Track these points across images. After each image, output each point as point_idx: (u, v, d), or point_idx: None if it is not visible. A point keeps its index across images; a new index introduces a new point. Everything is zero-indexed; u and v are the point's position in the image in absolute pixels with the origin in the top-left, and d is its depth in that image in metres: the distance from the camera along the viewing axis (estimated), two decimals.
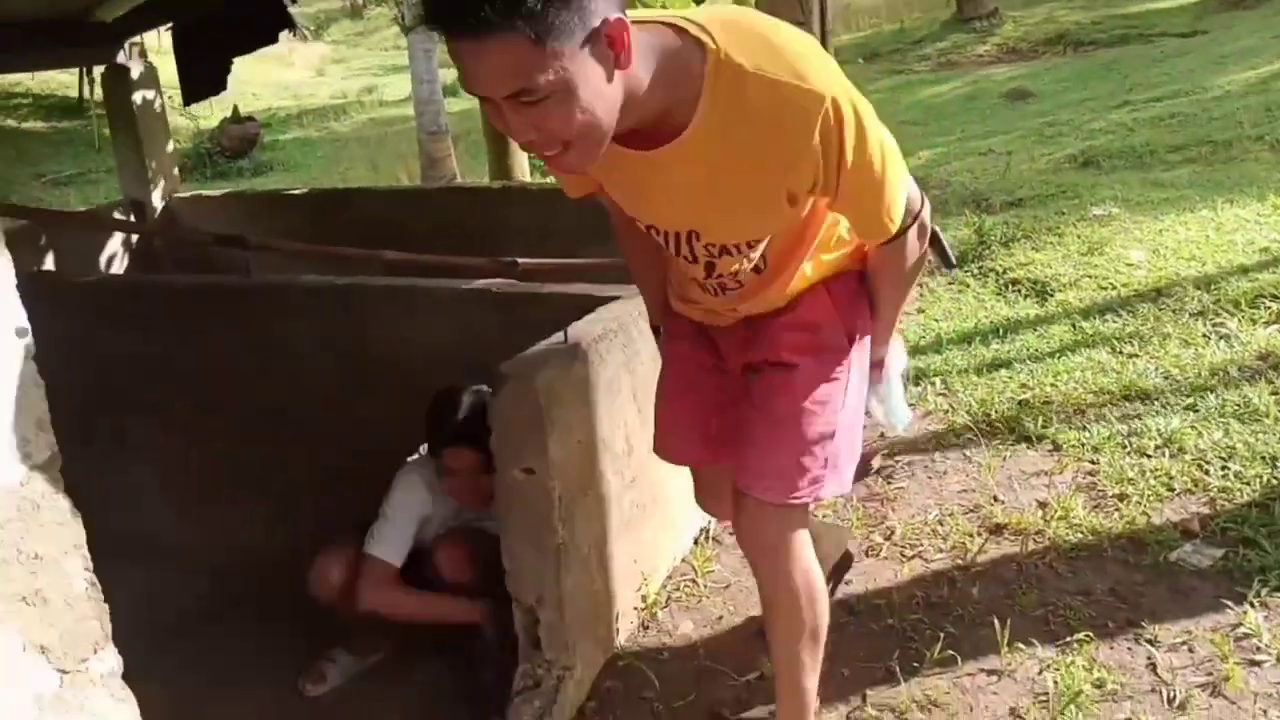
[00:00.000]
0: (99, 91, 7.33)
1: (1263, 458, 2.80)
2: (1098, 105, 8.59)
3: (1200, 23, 11.52)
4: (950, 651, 2.23)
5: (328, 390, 2.82)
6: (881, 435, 3.26)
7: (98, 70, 5.32)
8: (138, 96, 4.41)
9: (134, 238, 4.42)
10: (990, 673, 2.19)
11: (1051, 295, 4.32)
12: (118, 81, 4.43)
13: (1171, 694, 2.07)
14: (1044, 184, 6.07)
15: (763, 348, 1.77)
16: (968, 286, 4.64)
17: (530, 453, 2.03)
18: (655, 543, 2.58)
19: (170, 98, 4.88)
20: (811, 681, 1.88)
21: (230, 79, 4.33)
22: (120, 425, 3.04)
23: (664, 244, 1.67)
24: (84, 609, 1.10)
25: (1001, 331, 4.03)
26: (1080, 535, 2.62)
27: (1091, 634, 2.25)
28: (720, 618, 2.50)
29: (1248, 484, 2.71)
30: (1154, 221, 4.97)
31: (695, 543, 2.80)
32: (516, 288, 2.69)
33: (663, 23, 1.40)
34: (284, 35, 4.30)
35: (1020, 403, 3.37)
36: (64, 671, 1.08)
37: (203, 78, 4.23)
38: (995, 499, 2.84)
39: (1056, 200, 5.64)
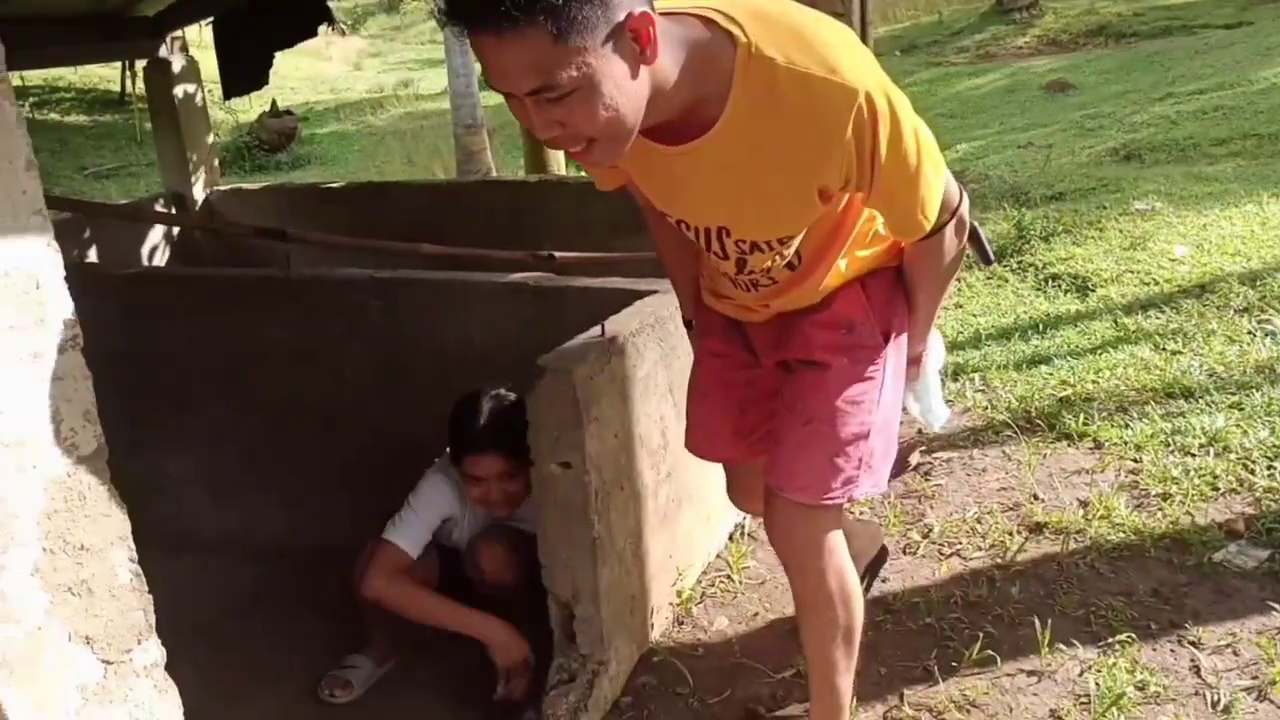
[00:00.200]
0: (140, 85, 7.41)
1: None
2: (1140, 98, 8.46)
3: (1245, 14, 11.32)
4: (989, 651, 2.20)
5: (365, 383, 2.83)
6: (919, 432, 3.23)
7: (140, 64, 5.38)
8: (179, 90, 4.44)
9: (175, 230, 4.46)
10: (1030, 673, 2.17)
11: (1092, 290, 4.27)
12: (159, 75, 4.47)
13: (1215, 697, 2.04)
14: (1085, 178, 6.00)
15: (796, 346, 1.75)
16: (1007, 281, 4.59)
17: (567, 447, 2.03)
18: (690, 538, 2.58)
19: (211, 91, 4.93)
20: (846, 681, 1.86)
21: (270, 74, 4.36)
22: (159, 417, 3.07)
23: (695, 239, 1.66)
24: (129, 600, 1.11)
25: (1041, 327, 3.98)
26: (1122, 535, 2.59)
27: (1134, 635, 2.22)
28: (755, 614, 2.49)
29: None
30: (1198, 216, 4.90)
31: (730, 538, 2.79)
32: (553, 281, 2.68)
33: (692, 13, 1.37)
34: (321, 29, 4.33)
35: (1061, 399, 3.33)
36: (108, 662, 1.09)
37: (244, 73, 4.26)
38: (1035, 497, 2.81)
39: (1097, 194, 5.56)
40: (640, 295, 2.44)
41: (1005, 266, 4.76)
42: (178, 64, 4.45)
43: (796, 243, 1.62)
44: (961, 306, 4.42)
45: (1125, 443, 3.00)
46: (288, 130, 11.70)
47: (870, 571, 2.44)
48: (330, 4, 4.14)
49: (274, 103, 11.76)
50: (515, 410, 2.29)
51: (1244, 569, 2.41)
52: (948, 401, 3.41)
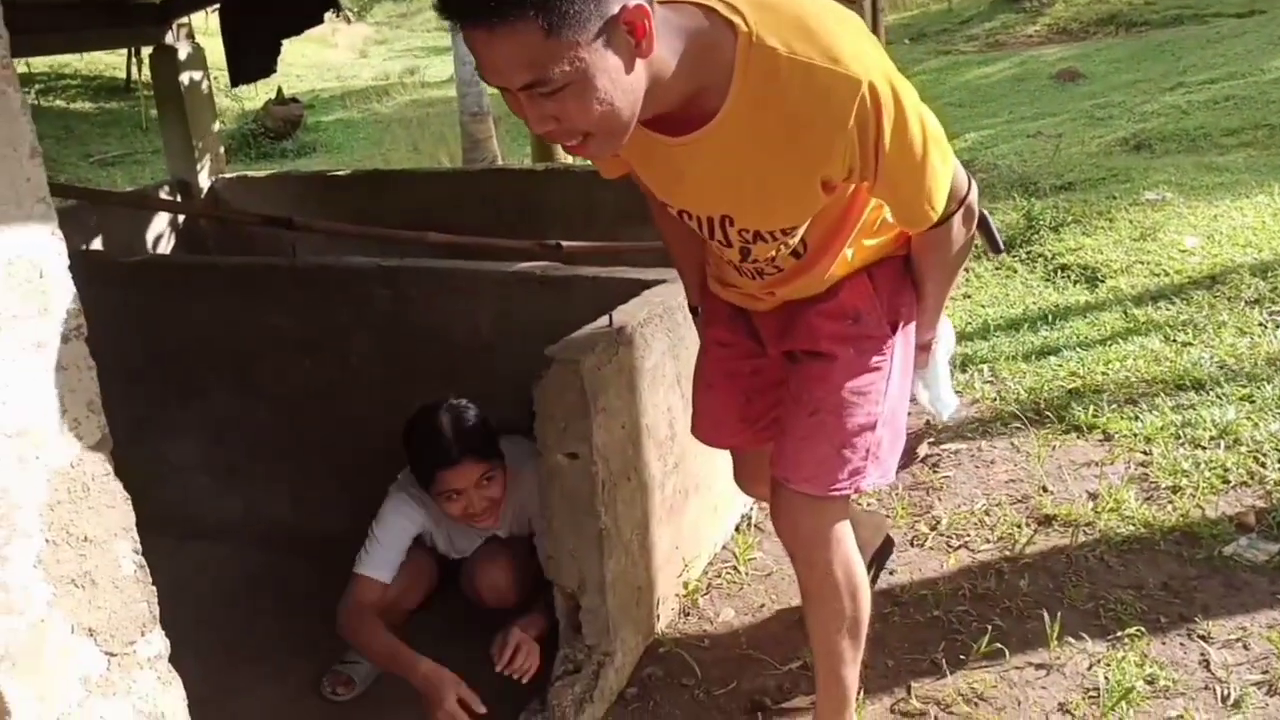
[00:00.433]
0: (146, 72, 7.39)
1: None
2: (1150, 87, 8.40)
3: (1257, 2, 11.22)
4: (997, 644, 2.19)
5: (371, 372, 2.82)
6: (927, 423, 3.22)
7: (145, 51, 5.37)
8: (185, 77, 4.42)
9: (180, 218, 4.45)
10: (1039, 667, 2.15)
11: (1102, 281, 4.25)
12: (165, 62, 4.45)
13: (1225, 692, 2.03)
14: (1094, 167, 5.96)
15: (801, 336, 1.74)
16: (1015, 272, 4.56)
17: (574, 438, 2.02)
18: (697, 529, 2.57)
19: (217, 79, 4.91)
20: (852, 673, 1.85)
21: (278, 61, 4.34)
22: (164, 405, 3.07)
23: (697, 229, 1.64)
24: (132, 591, 1.10)
25: (1050, 318, 3.96)
26: (1132, 527, 2.57)
27: (1143, 629, 2.21)
28: (762, 605, 2.48)
29: None
30: (1209, 206, 4.87)
31: (737, 529, 2.78)
32: (561, 270, 2.67)
33: (692, 1, 1.35)
34: (328, 16, 4.30)
35: (1070, 391, 3.31)
36: (111, 654, 1.08)
37: (252, 60, 4.24)
38: (1044, 489, 2.80)
39: (1107, 184, 5.53)
40: (648, 285, 2.42)
41: (1014, 257, 4.74)
42: (184, 51, 4.43)
43: (801, 231, 1.60)
44: (970, 297, 4.40)
45: (1135, 435, 2.98)
46: (293, 118, 11.67)
47: (877, 562, 2.43)
48: None
49: (280, 90, 11.74)
50: (473, 414, 2.34)
51: (1254, 562, 2.40)
52: (956, 392, 3.39)
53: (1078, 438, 3.04)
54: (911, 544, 2.65)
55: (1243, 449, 2.82)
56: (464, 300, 2.68)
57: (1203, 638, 2.18)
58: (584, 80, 1.20)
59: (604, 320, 2.17)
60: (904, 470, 2.99)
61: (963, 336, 3.94)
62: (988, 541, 2.62)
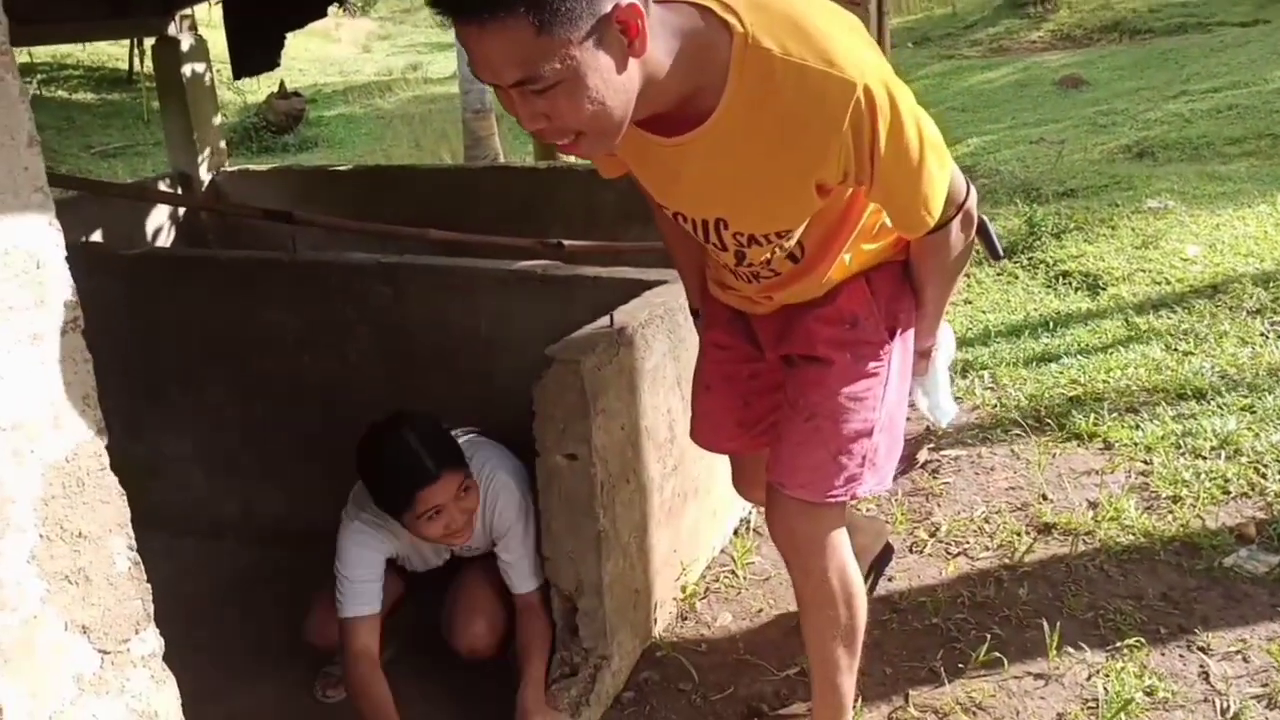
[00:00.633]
0: (149, 64, 7.37)
1: None
2: (1154, 95, 8.39)
3: (1262, 11, 11.21)
4: (996, 653, 2.18)
5: (369, 368, 2.81)
6: (927, 429, 3.21)
7: (148, 42, 5.34)
8: (187, 69, 4.40)
9: (180, 211, 4.43)
10: (1037, 676, 2.14)
11: (1104, 289, 4.24)
12: (167, 54, 4.43)
13: (1225, 704, 2.02)
14: (1097, 175, 5.95)
15: (798, 341, 1.73)
16: (1017, 278, 4.56)
17: (573, 439, 2.01)
18: (695, 532, 2.55)
19: (219, 71, 4.89)
20: (848, 681, 1.84)
21: (281, 55, 4.32)
22: (162, 398, 3.05)
23: (693, 231, 1.63)
24: (127, 588, 1.09)
25: (1052, 325, 3.95)
26: (1132, 537, 2.56)
27: (1142, 639, 2.20)
28: (760, 610, 2.47)
29: None
30: (1211, 215, 4.86)
31: (735, 533, 2.77)
32: (562, 270, 2.65)
33: (688, 1, 1.33)
34: (331, 10, 4.28)
35: (1071, 399, 3.30)
36: (105, 652, 1.06)
37: (255, 53, 4.22)
38: (1044, 497, 2.79)
39: (1110, 191, 5.52)
40: (649, 285, 2.41)
41: (1015, 263, 4.73)
42: (186, 43, 4.41)
43: (797, 235, 1.58)
44: (971, 303, 4.39)
45: (1135, 444, 2.97)
46: (295, 112, 11.64)
47: (875, 568, 2.42)
48: None
49: (282, 84, 11.70)
50: (436, 426, 2.19)
51: (1254, 574, 2.39)
52: (956, 398, 3.38)
53: (1078, 446, 3.03)
54: (910, 550, 2.64)
55: (1243, 459, 2.81)
56: (464, 298, 2.66)
57: (1202, 649, 2.17)
58: (575, 79, 1.19)
59: (605, 320, 2.16)
60: (903, 476, 2.98)
61: (963, 342, 3.92)
62: (987, 549, 2.61)
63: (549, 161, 5.58)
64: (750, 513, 2.79)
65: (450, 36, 13.01)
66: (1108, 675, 2.11)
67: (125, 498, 1.09)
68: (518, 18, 1.13)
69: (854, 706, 2.06)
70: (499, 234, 3.47)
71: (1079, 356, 3.61)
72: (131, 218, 4.23)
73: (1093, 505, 2.72)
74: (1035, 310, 4.16)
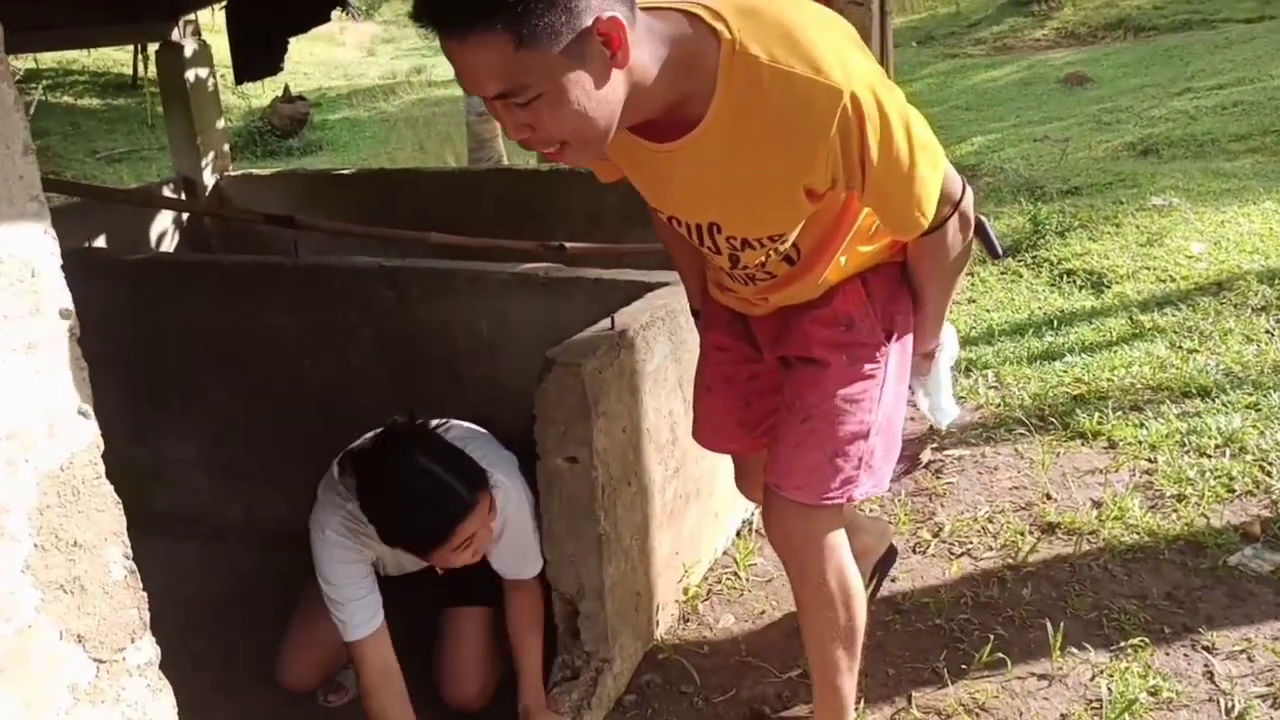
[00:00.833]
0: (153, 69, 7.38)
1: None
2: (1158, 92, 8.36)
3: (1268, 8, 11.17)
4: (999, 654, 2.18)
5: (372, 372, 2.81)
6: (930, 429, 3.20)
7: (152, 48, 5.35)
8: (190, 74, 4.41)
9: (184, 216, 4.44)
10: (1041, 677, 2.14)
11: (1108, 287, 4.23)
12: (171, 59, 4.44)
13: (1230, 704, 2.01)
14: (1101, 172, 5.93)
15: (795, 342, 1.73)
16: (1021, 276, 4.54)
17: (574, 442, 2.01)
18: (697, 534, 2.55)
19: (223, 76, 4.89)
20: (848, 682, 1.84)
21: (285, 60, 4.33)
22: (165, 403, 3.06)
23: (687, 235, 1.64)
24: (122, 597, 1.09)
25: (1055, 323, 3.94)
26: (1136, 536, 2.55)
27: (1147, 639, 2.19)
28: (762, 612, 2.47)
29: None
30: (1216, 213, 4.84)
31: (738, 535, 2.77)
32: (563, 272, 2.65)
33: (676, 8, 1.34)
34: (335, 14, 4.29)
35: (1075, 397, 3.29)
36: (100, 661, 1.06)
37: (257, 58, 4.22)
38: (1048, 496, 2.78)
39: (1114, 189, 5.50)
40: (651, 288, 2.41)
41: (1020, 261, 4.72)
42: (190, 48, 4.42)
43: (791, 238, 1.58)
44: (974, 301, 4.38)
45: (1140, 442, 2.96)
46: (300, 116, 11.66)
47: (879, 570, 2.41)
48: None
49: (286, 88, 11.72)
50: (442, 440, 2.03)
51: (1259, 573, 2.38)
52: (959, 399, 3.37)
53: (1082, 444, 3.02)
54: (914, 551, 2.63)
55: (1248, 458, 2.80)
56: (466, 301, 2.66)
57: (1207, 649, 2.17)
58: (557, 91, 1.21)
59: (606, 323, 2.16)
60: (907, 476, 2.98)
61: (967, 341, 3.92)
62: (990, 549, 2.60)
63: (551, 164, 5.58)
64: (752, 514, 2.79)
65: None
66: (1112, 675, 2.11)
67: (121, 506, 1.09)
68: (497, 33, 1.15)
69: (856, 708, 2.06)
70: (502, 236, 3.47)
71: (1083, 355, 3.60)
72: (135, 223, 4.24)
73: (1097, 504, 2.71)
74: (1039, 308, 4.15)
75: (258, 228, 3.99)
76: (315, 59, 16.32)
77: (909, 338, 1.76)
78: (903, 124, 1.38)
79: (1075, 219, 4.92)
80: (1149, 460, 2.88)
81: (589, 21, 1.19)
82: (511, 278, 2.64)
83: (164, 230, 4.38)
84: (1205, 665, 2.12)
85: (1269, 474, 2.72)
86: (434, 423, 2.19)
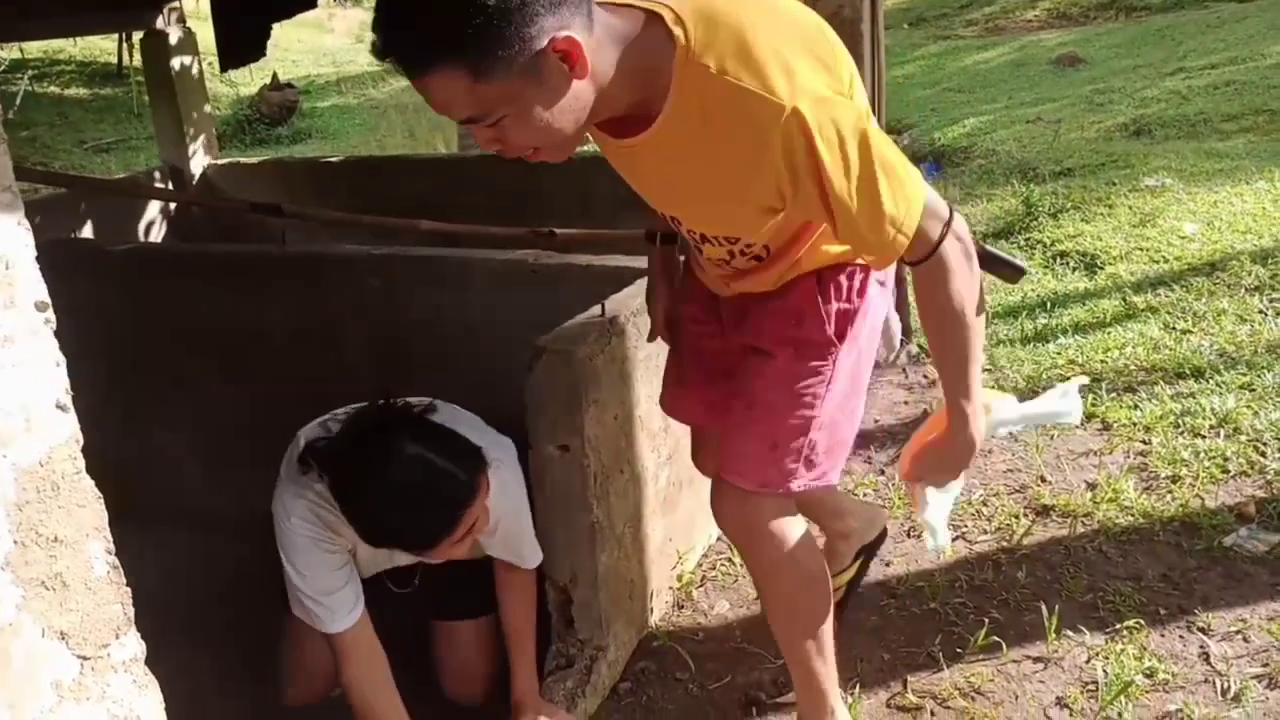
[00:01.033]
0: (138, 58, 7.33)
1: None
2: (1150, 72, 8.35)
3: None
4: (995, 637, 2.17)
5: (362, 360, 2.79)
6: (924, 412, 3.19)
7: (136, 36, 5.31)
8: (176, 62, 4.38)
9: (172, 205, 4.41)
10: (1036, 660, 2.13)
11: (1101, 268, 4.22)
12: (156, 47, 4.40)
13: (1225, 685, 2.00)
14: (1094, 153, 5.92)
15: (749, 331, 1.73)
16: (1014, 258, 4.52)
17: (565, 430, 1.99)
18: (691, 521, 2.54)
19: (210, 64, 4.86)
20: (821, 666, 1.84)
21: (269, 45, 4.29)
22: (155, 393, 3.04)
23: (663, 219, 1.69)
24: (106, 593, 1.07)
25: (1049, 305, 3.94)
26: (1131, 518, 2.55)
27: (1142, 621, 2.19)
28: (757, 598, 2.45)
29: None
30: (1208, 193, 4.83)
31: None
32: (553, 258, 2.63)
33: (638, 5, 1.35)
34: (323, 0, 4.25)
35: (1069, 379, 3.27)
36: (84, 658, 1.05)
37: (240, 43, 4.19)
38: (1042, 479, 2.77)
39: (1107, 170, 5.49)
40: (642, 273, 2.37)
41: (1012, 243, 4.71)
42: (174, 36, 4.39)
43: (758, 242, 1.58)
44: None
45: (1134, 424, 2.96)
46: (288, 103, 11.58)
47: (864, 553, 2.39)
48: None
49: (275, 76, 11.65)
50: (427, 421, 1.86)
51: (1255, 553, 2.37)
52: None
53: (1076, 427, 3.01)
54: (908, 535, 2.62)
55: (1243, 438, 2.80)
56: (455, 289, 2.64)
57: (1202, 630, 2.16)
58: (519, 112, 1.26)
59: (596, 309, 2.14)
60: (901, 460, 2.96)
61: None
62: (985, 532, 2.59)
63: None
64: None
65: None
66: (1107, 658, 2.10)
67: (102, 501, 1.08)
68: (454, 69, 1.20)
69: (851, 692, 2.06)
70: (492, 222, 3.45)
71: (1076, 336, 3.59)
72: (123, 212, 4.22)
73: (1091, 486, 2.71)
74: (1032, 290, 4.13)
75: (247, 217, 3.97)
76: (304, 46, 16.21)
77: (866, 344, 1.72)
78: (857, 138, 1.32)
79: (1068, 200, 4.91)
80: (1143, 442, 2.88)
81: (544, 43, 1.21)
82: (501, 265, 2.62)
83: (151, 220, 4.35)
84: (1201, 646, 2.12)
85: (1263, 454, 2.71)
86: (414, 401, 2.00)
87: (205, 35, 4.43)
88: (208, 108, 4.63)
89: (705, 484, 2.54)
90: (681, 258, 1.96)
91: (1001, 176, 5.80)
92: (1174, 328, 3.54)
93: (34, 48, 12.62)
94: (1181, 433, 2.88)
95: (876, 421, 3.21)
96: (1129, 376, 3.24)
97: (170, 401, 3.05)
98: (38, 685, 1.01)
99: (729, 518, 1.76)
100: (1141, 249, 4.29)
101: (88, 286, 2.81)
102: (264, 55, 4.18)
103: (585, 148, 1.63)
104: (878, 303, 1.71)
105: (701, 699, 2.15)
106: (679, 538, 2.47)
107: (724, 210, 1.50)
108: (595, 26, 1.27)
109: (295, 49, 15.62)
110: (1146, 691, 2.01)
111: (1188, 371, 3.19)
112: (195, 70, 4.49)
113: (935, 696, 2.07)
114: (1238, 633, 2.14)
